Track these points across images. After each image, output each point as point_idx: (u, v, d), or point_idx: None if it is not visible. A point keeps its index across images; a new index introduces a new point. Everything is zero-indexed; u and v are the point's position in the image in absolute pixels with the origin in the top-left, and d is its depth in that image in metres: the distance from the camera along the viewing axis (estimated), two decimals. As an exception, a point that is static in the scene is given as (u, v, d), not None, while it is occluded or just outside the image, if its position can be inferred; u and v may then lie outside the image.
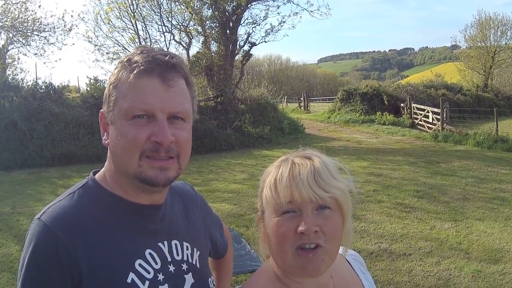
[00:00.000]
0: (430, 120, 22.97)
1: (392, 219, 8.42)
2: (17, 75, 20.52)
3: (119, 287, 1.22)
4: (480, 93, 37.17)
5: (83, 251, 1.18)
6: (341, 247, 1.35)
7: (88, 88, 20.22)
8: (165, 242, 1.35)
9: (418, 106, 25.11)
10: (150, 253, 1.29)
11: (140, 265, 1.26)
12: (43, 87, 18.89)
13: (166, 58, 1.24)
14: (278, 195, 1.23)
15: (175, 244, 1.38)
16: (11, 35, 22.51)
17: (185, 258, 1.39)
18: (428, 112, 23.42)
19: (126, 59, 1.27)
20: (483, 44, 40.52)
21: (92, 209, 1.26)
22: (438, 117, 21.84)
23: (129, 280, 1.23)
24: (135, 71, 1.22)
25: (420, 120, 24.16)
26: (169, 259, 1.34)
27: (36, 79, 20.42)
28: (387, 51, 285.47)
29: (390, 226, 8.03)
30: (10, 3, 21.39)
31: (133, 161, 1.22)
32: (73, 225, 1.21)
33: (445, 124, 21.40)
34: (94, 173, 1.38)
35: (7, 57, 22.83)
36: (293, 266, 1.22)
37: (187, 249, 1.41)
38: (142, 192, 1.29)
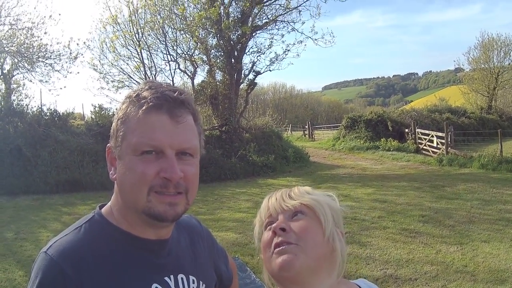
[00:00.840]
0: (435, 145, 22.99)
1: (398, 245, 8.35)
2: (22, 100, 20.59)
3: None
4: (484, 115, 37.25)
5: (91, 287, 1.18)
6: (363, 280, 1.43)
7: (93, 116, 20.31)
8: (172, 277, 1.34)
9: (423, 131, 25.17)
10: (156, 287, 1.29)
11: None
12: (48, 113, 19.04)
13: (175, 94, 1.25)
14: (261, 218, 1.36)
15: (181, 278, 1.37)
16: (16, 60, 22.71)
17: None
18: (432, 136, 23.45)
19: (134, 94, 1.26)
20: (486, 65, 40.70)
21: (98, 244, 1.25)
22: (443, 141, 21.87)
23: None
24: (144, 107, 1.22)
25: (425, 145, 24.15)
26: None
27: (41, 105, 20.53)
28: (391, 77, 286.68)
29: (396, 251, 7.96)
30: (16, 28, 21.63)
31: (141, 196, 1.21)
32: (80, 260, 1.20)
33: (449, 148, 21.43)
34: (101, 207, 1.37)
35: (12, 82, 23.00)
36: (274, 270, 1.24)
37: (193, 282, 1.40)
38: (149, 227, 1.29)
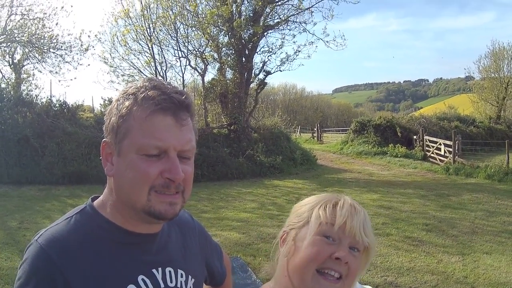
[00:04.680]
0: (442, 153, 22.89)
1: (400, 252, 8.35)
2: (32, 91, 20.70)
3: None
4: (492, 125, 36.82)
5: (76, 275, 1.20)
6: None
7: (103, 109, 20.42)
8: (160, 269, 1.36)
9: (431, 138, 25.04)
10: (142, 279, 1.30)
11: None
12: (57, 105, 19.17)
13: (182, 98, 1.27)
14: (333, 216, 1.35)
15: (170, 271, 1.38)
16: (27, 50, 22.81)
17: (178, 285, 1.39)
18: (440, 144, 23.35)
19: (139, 92, 1.27)
20: (496, 75, 40.19)
21: (88, 234, 1.27)
22: (450, 149, 21.75)
23: None
24: (151, 109, 1.23)
25: (432, 153, 24.05)
26: (162, 286, 1.34)
27: (51, 96, 20.63)
28: (401, 82, 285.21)
29: (397, 259, 7.95)
30: (27, 18, 21.74)
31: (142, 195, 1.23)
32: (68, 249, 1.22)
33: (456, 157, 21.31)
34: (93, 199, 1.39)
35: (22, 72, 23.10)
36: (309, 285, 1.31)
37: (182, 276, 1.42)
38: (145, 223, 1.31)
